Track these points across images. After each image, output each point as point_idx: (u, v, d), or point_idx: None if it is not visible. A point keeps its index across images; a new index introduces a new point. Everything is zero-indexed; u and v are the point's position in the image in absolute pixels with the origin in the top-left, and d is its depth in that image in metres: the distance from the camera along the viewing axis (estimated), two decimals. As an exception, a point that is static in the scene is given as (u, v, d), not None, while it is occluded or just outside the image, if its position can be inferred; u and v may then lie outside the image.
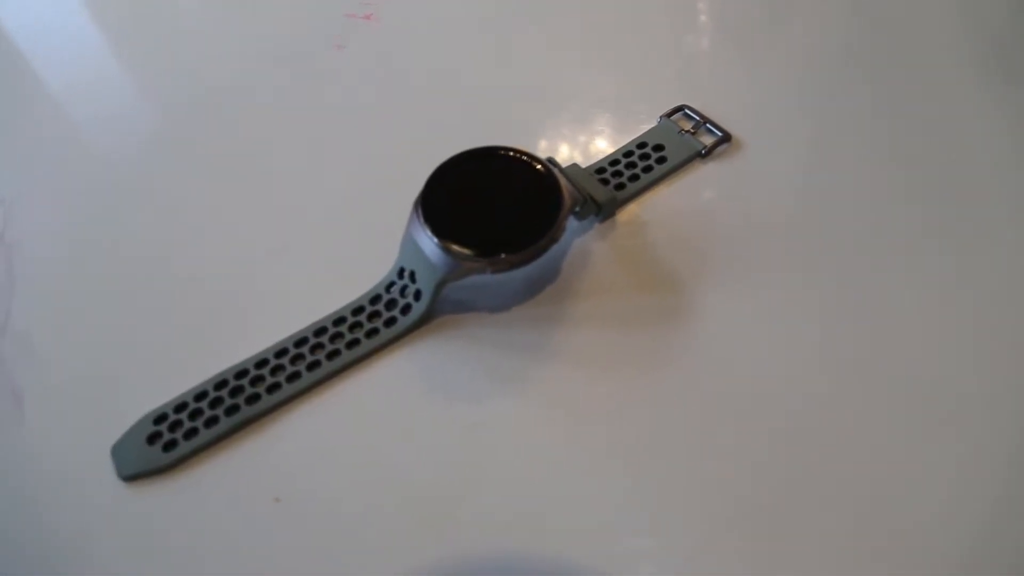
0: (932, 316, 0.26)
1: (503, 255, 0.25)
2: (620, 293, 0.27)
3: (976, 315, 0.26)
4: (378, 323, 0.27)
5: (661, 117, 0.32)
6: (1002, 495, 0.22)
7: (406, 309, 0.27)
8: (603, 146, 0.32)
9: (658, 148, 0.31)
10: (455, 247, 0.25)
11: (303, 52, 0.37)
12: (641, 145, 0.31)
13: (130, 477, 0.24)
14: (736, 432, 0.24)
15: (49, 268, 0.30)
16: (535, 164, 0.27)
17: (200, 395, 0.25)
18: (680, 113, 0.33)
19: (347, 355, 0.26)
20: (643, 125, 0.32)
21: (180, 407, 0.25)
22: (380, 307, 0.27)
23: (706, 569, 0.21)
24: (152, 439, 0.25)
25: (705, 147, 0.31)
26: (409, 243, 0.26)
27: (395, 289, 0.27)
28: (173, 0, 0.42)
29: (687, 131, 0.32)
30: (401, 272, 0.27)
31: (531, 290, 0.28)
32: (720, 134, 0.31)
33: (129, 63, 0.38)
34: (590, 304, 0.27)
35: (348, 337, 0.26)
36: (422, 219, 0.26)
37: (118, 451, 0.25)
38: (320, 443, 0.25)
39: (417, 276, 0.26)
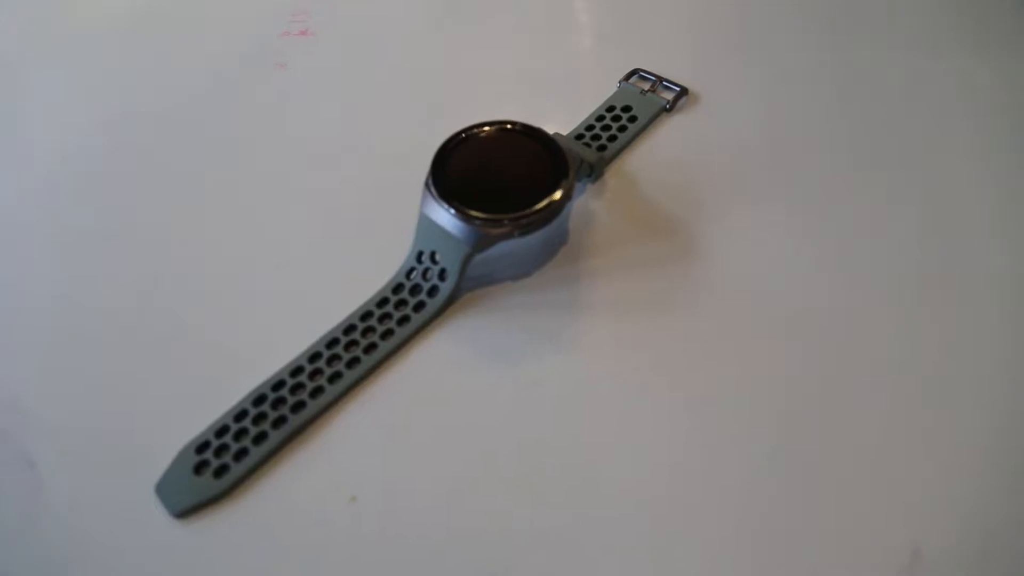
0: (902, 210, 0.29)
1: (527, 216, 0.25)
2: (630, 242, 0.29)
3: (930, 200, 0.29)
4: (406, 310, 0.26)
5: (620, 82, 0.34)
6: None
7: (433, 291, 0.27)
8: (574, 116, 0.33)
9: (626, 109, 0.33)
10: (479, 217, 0.25)
11: (248, 78, 0.36)
12: (610, 109, 0.33)
13: (184, 512, 0.22)
14: (769, 348, 0.25)
15: (24, 320, 0.27)
16: (532, 132, 0.28)
17: (240, 415, 0.24)
18: (636, 76, 0.34)
19: (384, 346, 0.26)
20: (605, 92, 0.34)
21: (221, 431, 0.24)
22: (404, 295, 0.27)
23: (770, 490, 0.23)
24: (199, 469, 0.23)
25: (668, 102, 0.33)
26: (425, 224, 0.26)
27: (416, 274, 0.27)
28: (126, 39, 0.39)
29: (647, 91, 0.34)
30: (420, 256, 0.27)
31: (546, 255, 0.28)
32: (678, 88, 0.33)
33: (89, 104, 0.36)
34: (606, 258, 0.28)
35: (380, 329, 0.26)
36: (439, 197, 0.26)
37: (164, 489, 0.23)
38: (381, 434, 0.24)
39: (439, 256, 0.26)
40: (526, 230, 0.25)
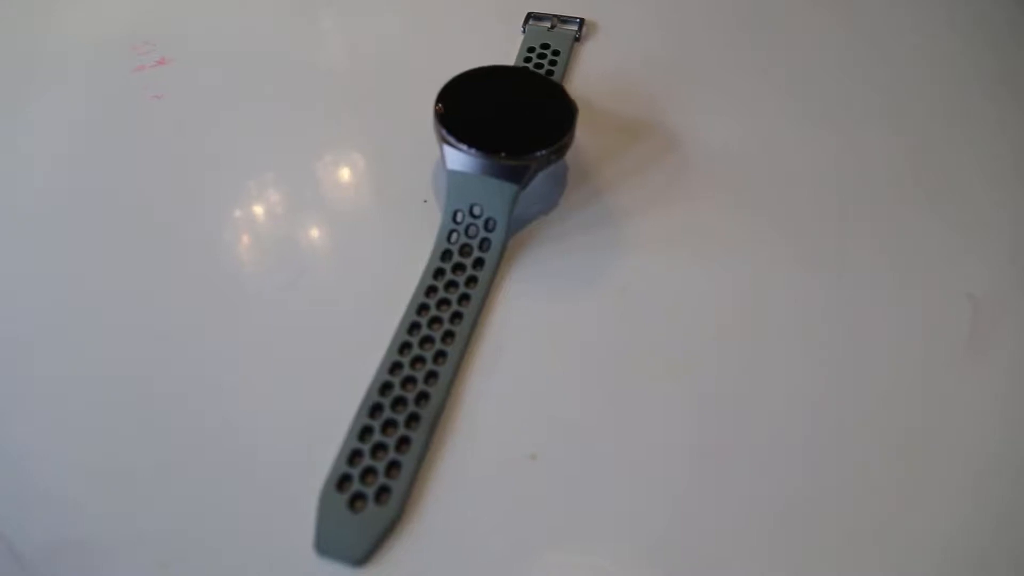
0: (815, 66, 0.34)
1: (558, 139, 0.25)
2: (622, 151, 0.30)
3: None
4: (467, 271, 0.25)
5: (524, 26, 0.35)
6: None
7: (484, 244, 0.25)
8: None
9: (545, 46, 0.34)
10: (517, 152, 0.24)
11: (134, 121, 0.30)
12: (531, 49, 0.34)
13: (364, 558, 0.19)
14: (811, 186, 0.28)
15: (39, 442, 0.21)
16: (511, 71, 0.28)
17: (364, 432, 0.21)
18: (532, 19, 0.36)
19: (468, 311, 0.24)
20: (514, 40, 0.35)
21: (353, 457, 0.20)
22: (457, 259, 0.25)
23: (838, 288, 0.26)
24: (353, 504, 0.19)
25: (575, 32, 0.35)
26: (457, 181, 0.25)
27: (458, 236, 0.25)
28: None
29: (551, 28, 0.35)
30: (455, 216, 0.25)
31: (559, 184, 0.28)
32: (577, 20, 0.35)
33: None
34: (610, 170, 0.29)
35: (454, 296, 0.24)
36: (467, 146, 0.24)
37: (327, 544, 0.19)
38: (519, 386, 0.22)
39: (479, 207, 0.25)
40: (559, 154, 0.25)
